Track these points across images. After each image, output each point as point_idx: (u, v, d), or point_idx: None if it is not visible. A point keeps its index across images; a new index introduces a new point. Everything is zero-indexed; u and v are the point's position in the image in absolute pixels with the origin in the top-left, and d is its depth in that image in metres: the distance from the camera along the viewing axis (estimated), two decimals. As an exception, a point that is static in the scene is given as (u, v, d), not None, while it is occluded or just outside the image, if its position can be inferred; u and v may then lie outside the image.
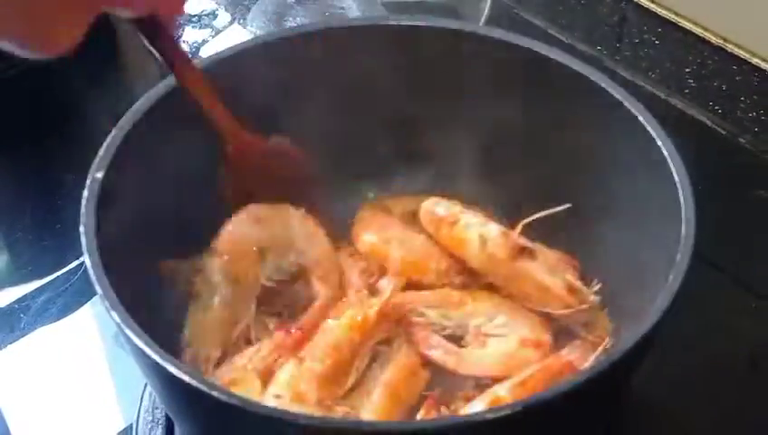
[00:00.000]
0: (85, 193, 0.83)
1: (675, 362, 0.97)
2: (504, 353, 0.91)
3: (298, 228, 0.96)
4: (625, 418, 0.95)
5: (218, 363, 0.89)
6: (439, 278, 0.95)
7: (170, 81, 0.92)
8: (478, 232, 0.93)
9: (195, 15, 1.28)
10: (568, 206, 0.92)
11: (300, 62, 0.98)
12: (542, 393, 0.71)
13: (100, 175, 0.84)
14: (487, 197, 1.01)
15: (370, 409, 0.86)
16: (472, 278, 0.96)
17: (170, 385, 0.76)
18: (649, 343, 0.75)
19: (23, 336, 1.05)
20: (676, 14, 1.35)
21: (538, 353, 0.90)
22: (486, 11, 1.25)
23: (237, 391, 0.82)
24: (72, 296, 1.08)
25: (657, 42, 1.35)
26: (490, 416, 0.69)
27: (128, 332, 0.74)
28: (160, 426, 0.95)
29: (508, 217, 0.98)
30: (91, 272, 0.78)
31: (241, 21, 1.27)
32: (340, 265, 0.97)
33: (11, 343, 1.05)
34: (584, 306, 0.91)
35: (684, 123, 1.25)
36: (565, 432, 0.79)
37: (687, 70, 1.31)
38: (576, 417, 0.77)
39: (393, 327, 0.92)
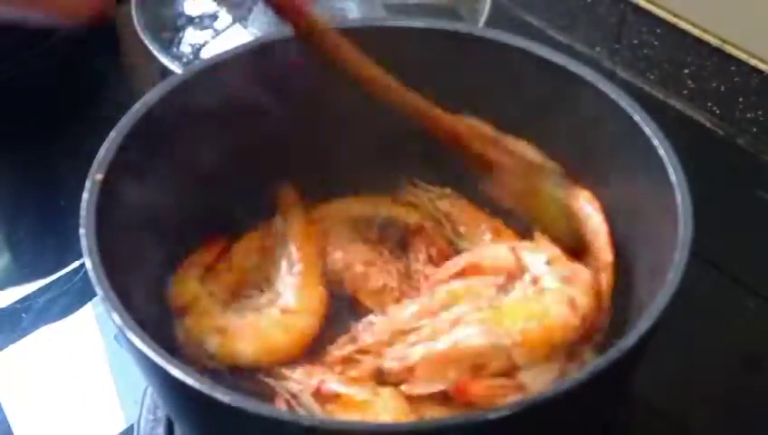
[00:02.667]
0: (85, 194, 0.83)
1: (674, 361, 0.97)
2: None
3: None
4: (624, 417, 0.95)
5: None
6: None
7: (170, 81, 0.92)
8: None
9: (196, 17, 1.28)
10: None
11: (298, 62, 0.98)
12: (543, 393, 0.72)
13: (99, 176, 0.84)
14: (484, 196, 1.01)
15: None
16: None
17: (171, 387, 0.75)
18: (648, 342, 0.75)
19: (24, 336, 1.05)
20: (675, 15, 1.35)
21: None
22: (486, 12, 1.25)
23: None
24: (73, 296, 1.08)
25: (655, 43, 1.35)
26: (491, 416, 0.69)
27: (128, 333, 0.74)
28: (162, 426, 0.95)
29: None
30: (91, 273, 0.78)
31: (242, 22, 1.26)
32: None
33: (12, 342, 1.05)
34: None
35: (682, 124, 1.25)
36: (564, 432, 0.79)
37: (686, 71, 1.31)
38: (575, 416, 0.78)
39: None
